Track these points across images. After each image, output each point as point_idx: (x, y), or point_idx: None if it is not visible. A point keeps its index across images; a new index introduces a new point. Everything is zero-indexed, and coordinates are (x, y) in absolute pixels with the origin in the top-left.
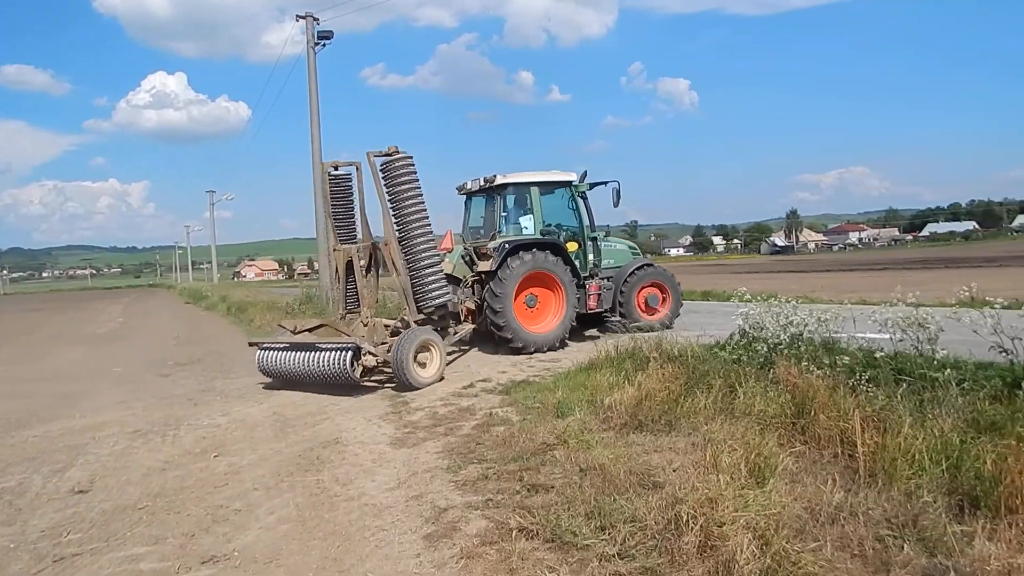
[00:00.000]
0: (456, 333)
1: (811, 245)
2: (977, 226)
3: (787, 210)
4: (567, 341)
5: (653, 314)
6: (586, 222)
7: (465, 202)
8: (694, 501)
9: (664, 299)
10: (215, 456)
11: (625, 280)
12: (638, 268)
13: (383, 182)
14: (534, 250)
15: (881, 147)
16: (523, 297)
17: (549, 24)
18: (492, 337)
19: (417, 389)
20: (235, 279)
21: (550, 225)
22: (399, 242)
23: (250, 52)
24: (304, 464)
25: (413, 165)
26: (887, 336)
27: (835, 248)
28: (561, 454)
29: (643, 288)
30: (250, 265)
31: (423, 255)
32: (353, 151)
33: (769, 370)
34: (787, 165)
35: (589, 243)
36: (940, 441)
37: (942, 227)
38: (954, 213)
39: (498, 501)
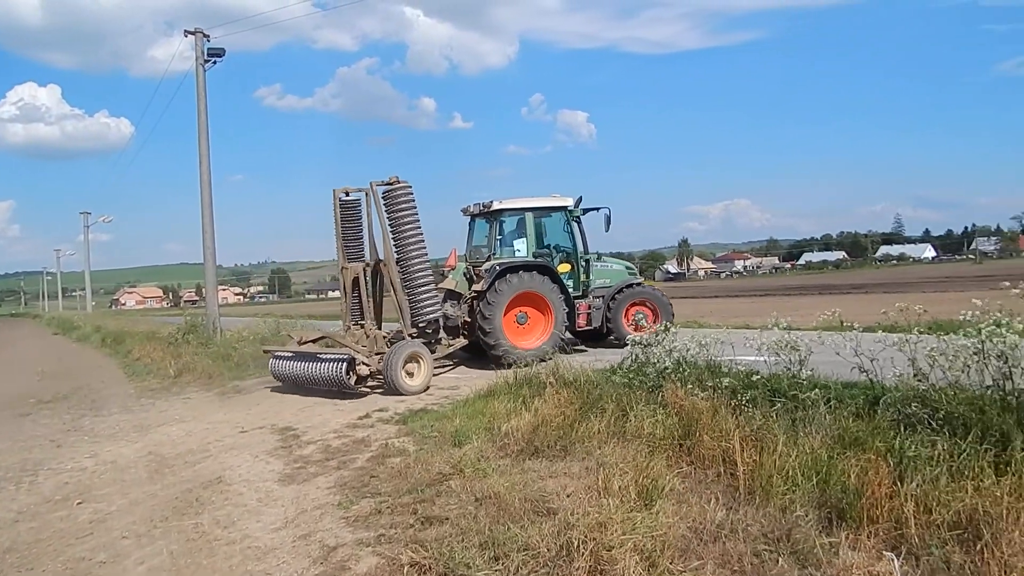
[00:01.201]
0: (450, 346)
1: (701, 272)
2: (846, 255)
3: (679, 239)
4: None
5: (641, 332)
6: (580, 245)
7: (469, 223)
8: (585, 526)
9: (654, 318)
10: (78, 503)
11: (613, 299)
12: (626, 287)
13: (384, 208)
14: (522, 272)
15: (762, 182)
16: (514, 314)
17: (451, 52)
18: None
19: (406, 395)
20: (112, 307)
21: (546, 247)
22: (396, 263)
23: (134, 66)
24: (181, 507)
25: (411, 193)
26: (763, 359)
27: (723, 275)
28: (457, 484)
29: (631, 307)
30: (130, 292)
31: (418, 275)
32: (247, 170)
33: (658, 393)
34: (678, 196)
35: (582, 264)
36: (811, 457)
37: (816, 256)
38: (826, 244)
39: (391, 536)
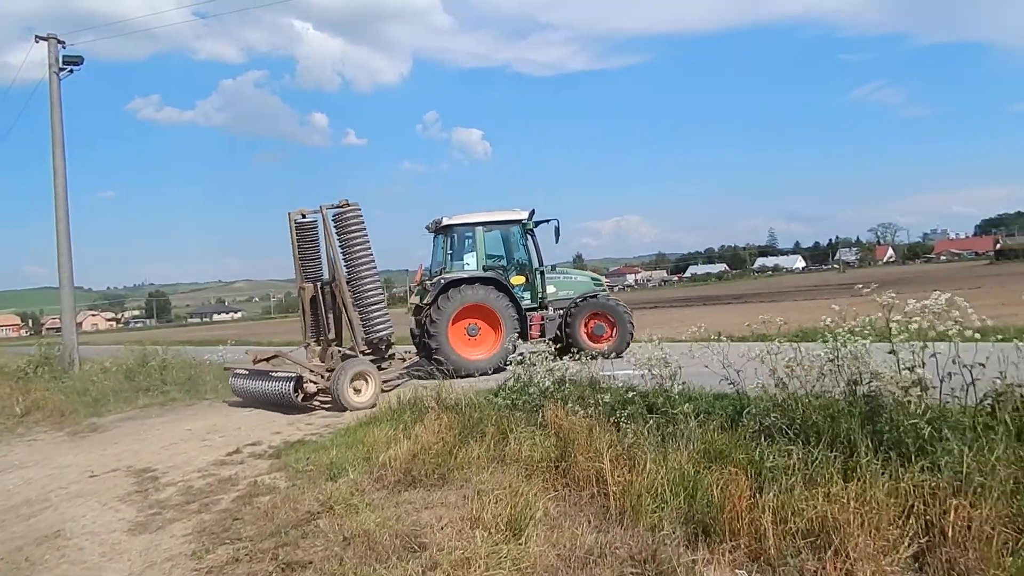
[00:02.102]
0: (404, 361)
1: None
2: (727, 267)
3: (574, 254)
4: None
5: (599, 343)
6: (534, 257)
7: (433, 239)
8: (449, 563)
9: (612, 329)
10: None
11: (571, 310)
12: (584, 299)
13: (334, 229)
14: (466, 286)
15: (651, 198)
16: (464, 327)
17: (343, 68)
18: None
19: (354, 411)
20: None
21: (502, 260)
22: (348, 282)
23: None
24: (7, 571)
25: (360, 214)
26: (640, 373)
27: (616, 289)
28: (325, 523)
29: (589, 318)
30: None
31: (369, 293)
32: (120, 187)
33: (539, 414)
34: (573, 213)
35: (537, 276)
36: (679, 473)
37: (700, 269)
38: (709, 257)
39: None
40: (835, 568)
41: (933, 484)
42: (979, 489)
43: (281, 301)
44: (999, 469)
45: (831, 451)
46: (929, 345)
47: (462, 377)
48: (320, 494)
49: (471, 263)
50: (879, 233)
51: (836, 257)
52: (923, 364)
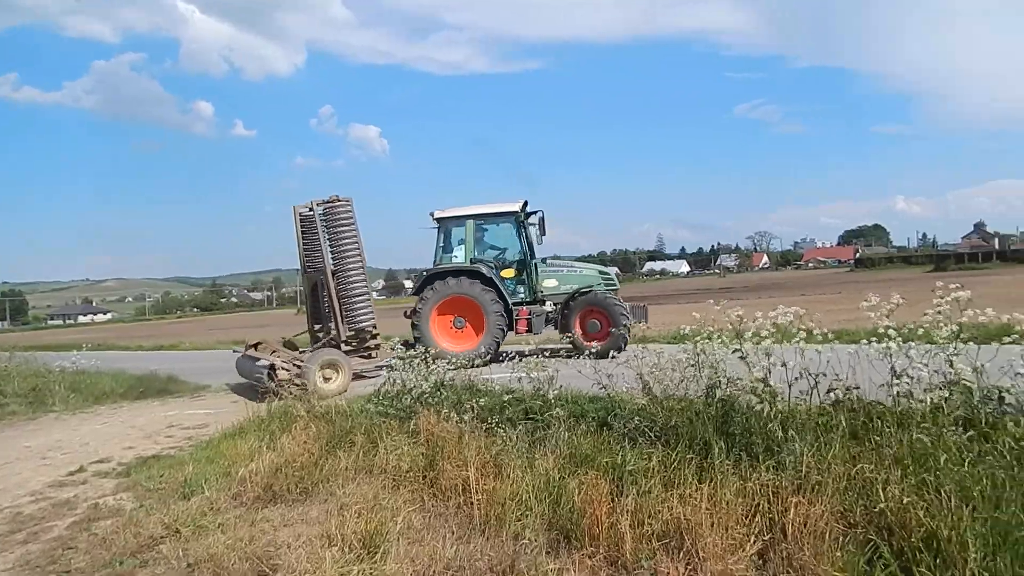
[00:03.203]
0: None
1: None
2: (619, 271)
3: None
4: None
5: (593, 341)
6: (527, 249)
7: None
8: None
9: (607, 327)
10: None
11: (567, 305)
12: (580, 294)
13: (323, 223)
14: (449, 278)
15: (551, 201)
16: (450, 319)
17: (231, 55)
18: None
19: (323, 399)
20: None
21: (497, 253)
22: (334, 274)
23: None
24: None
25: (350, 209)
26: (519, 376)
27: None
28: (169, 548)
29: (584, 315)
30: None
31: (353, 285)
32: None
33: (411, 421)
34: None
35: (531, 269)
36: (544, 480)
37: None
38: (603, 260)
39: None
40: (686, 568)
41: (777, 483)
42: (817, 486)
43: (158, 301)
44: (835, 467)
45: (689, 453)
46: (778, 350)
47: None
48: (168, 516)
49: (459, 256)
50: (756, 241)
51: (717, 262)
52: (769, 371)
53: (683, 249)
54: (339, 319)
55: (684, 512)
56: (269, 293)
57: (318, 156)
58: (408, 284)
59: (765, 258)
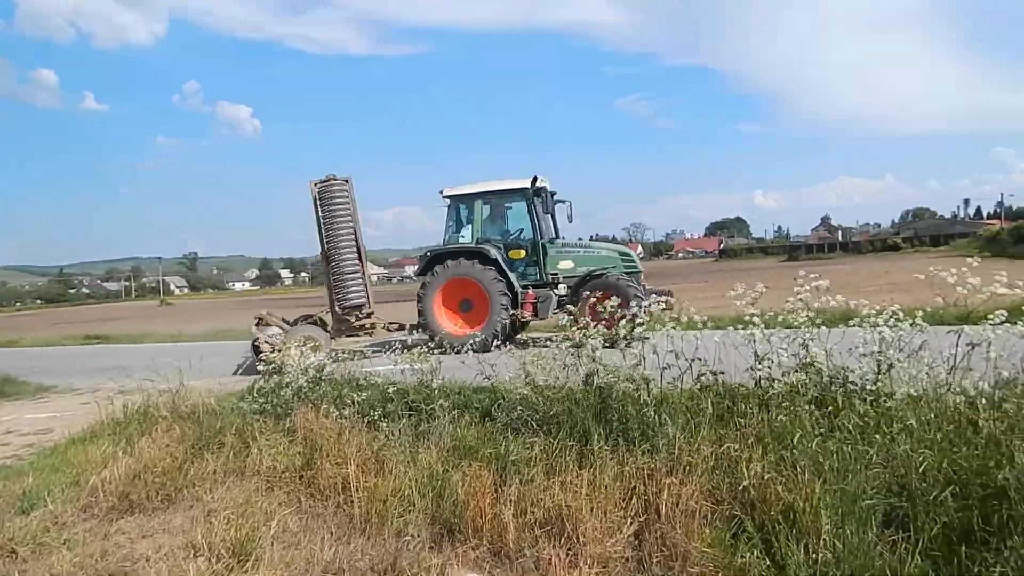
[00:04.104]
0: (388, 332)
1: (374, 278)
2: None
3: None
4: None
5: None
6: (537, 229)
7: None
8: None
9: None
10: None
11: (576, 289)
12: (591, 276)
13: (320, 202)
14: (449, 260)
15: (430, 190)
16: (457, 301)
17: (80, 19)
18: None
19: None
20: None
21: (510, 232)
22: (327, 252)
23: None
24: None
25: (345, 189)
26: (401, 368)
27: (394, 280)
28: (2, 570)
29: (596, 298)
30: None
31: (345, 263)
32: None
33: (289, 418)
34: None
35: (541, 250)
36: (428, 473)
37: None
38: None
39: None
40: (567, 554)
41: (652, 466)
42: (688, 467)
43: None
44: (703, 448)
45: (570, 440)
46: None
47: (455, 352)
48: (2, 535)
49: (466, 235)
50: (631, 232)
51: None
52: (643, 358)
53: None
54: (331, 297)
55: (565, 498)
56: (127, 283)
57: (182, 135)
58: (285, 273)
59: (640, 248)
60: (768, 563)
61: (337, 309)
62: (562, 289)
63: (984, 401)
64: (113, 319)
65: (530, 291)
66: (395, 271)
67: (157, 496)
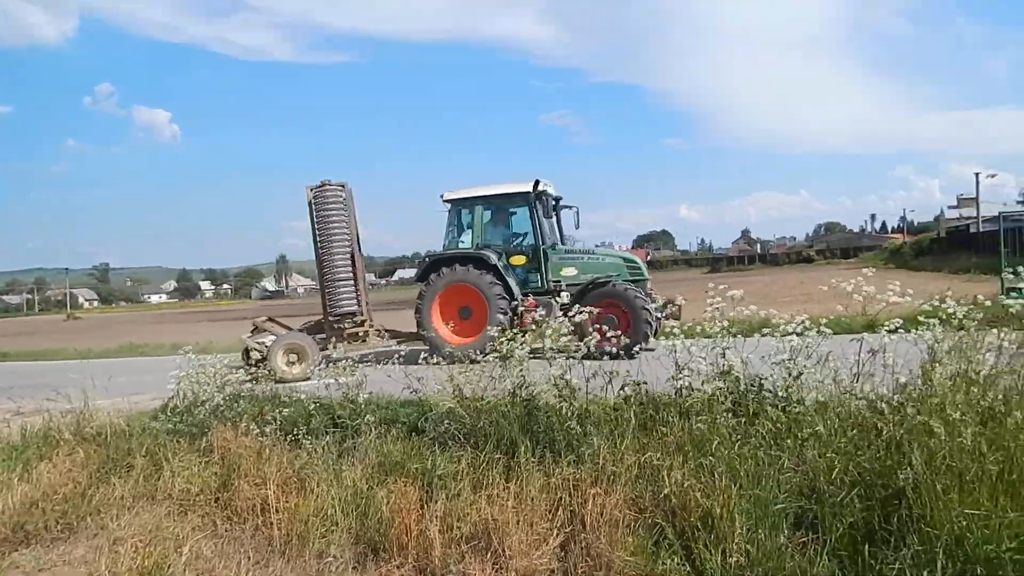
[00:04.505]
0: (380, 339)
1: (301, 289)
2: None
3: (277, 255)
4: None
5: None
6: (539, 234)
7: None
8: None
9: (624, 325)
10: None
11: (581, 298)
12: (594, 284)
13: (314, 208)
14: (443, 267)
15: (361, 198)
16: (457, 308)
17: None
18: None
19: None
20: None
21: (512, 238)
22: (320, 258)
23: None
24: None
25: (340, 194)
26: (326, 383)
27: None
28: None
29: (599, 308)
30: None
31: (337, 270)
32: None
33: (204, 438)
34: (277, 211)
35: (542, 256)
36: (352, 491)
37: (408, 272)
38: (416, 260)
39: None
40: (493, 568)
41: (577, 477)
42: (612, 477)
43: None
44: (627, 457)
45: (497, 453)
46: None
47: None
48: None
49: (466, 241)
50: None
51: None
52: (568, 369)
53: None
54: (324, 304)
55: (492, 512)
56: (29, 296)
57: (95, 140)
58: (206, 286)
59: (649, 254)
60: (688, 569)
61: (329, 317)
62: (564, 297)
63: (885, 405)
64: (13, 334)
65: (531, 298)
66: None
67: (57, 525)
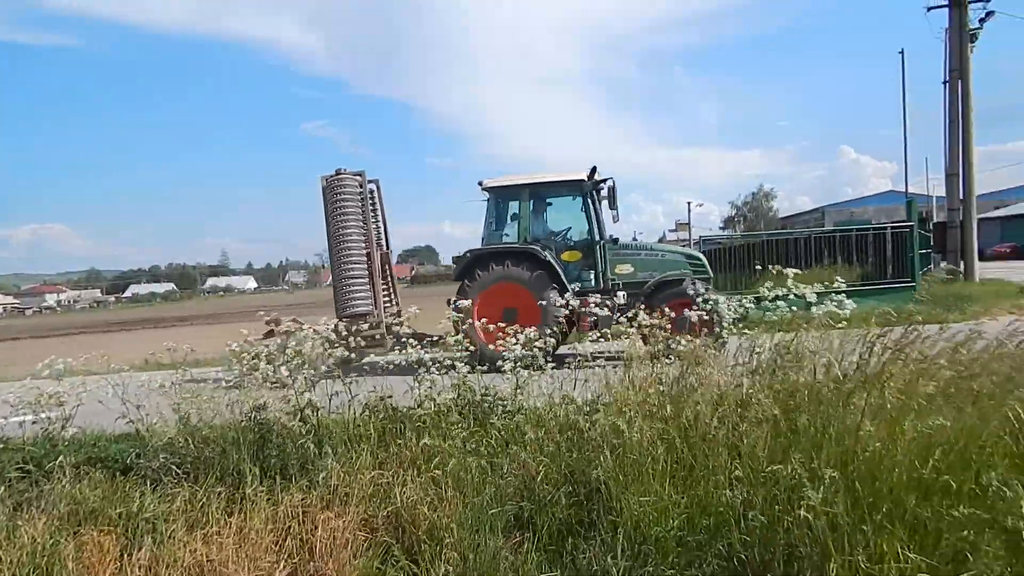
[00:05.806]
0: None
1: (1, 309)
2: (176, 287)
3: None
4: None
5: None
6: (595, 227)
7: None
8: None
9: (700, 326)
10: None
11: (649, 297)
12: (660, 284)
13: (325, 199)
14: (497, 261)
15: (84, 207)
16: (499, 311)
17: None
18: None
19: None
20: None
21: (560, 231)
22: (331, 253)
23: None
24: None
25: (358, 184)
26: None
27: (29, 312)
28: None
29: (672, 309)
30: None
31: (350, 266)
32: None
33: None
34: None
35: (600, 252)
36: (29, 550)
37: (144, 288)
38: (155, 275)
39: None
40: None
41: (307, 502)
42: (345, 498)
43: None
44: (362, 476)
45: (219, 486)
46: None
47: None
48: None
49: (511, 234)
50: (324, 257)
51: (286, 278)
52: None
53: (250, 264)
54: (336, 304)
55: (208, 552)
56: None
57: None
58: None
59: (331, 276)
60: None
61: (338, 316)
62: (621, 297)
63: (587, 410)
64: None
65: (589, 299)
66: (31, 300)
67: None
